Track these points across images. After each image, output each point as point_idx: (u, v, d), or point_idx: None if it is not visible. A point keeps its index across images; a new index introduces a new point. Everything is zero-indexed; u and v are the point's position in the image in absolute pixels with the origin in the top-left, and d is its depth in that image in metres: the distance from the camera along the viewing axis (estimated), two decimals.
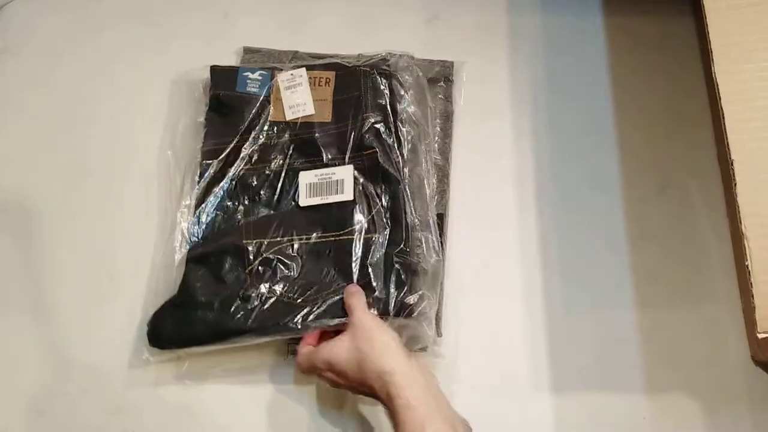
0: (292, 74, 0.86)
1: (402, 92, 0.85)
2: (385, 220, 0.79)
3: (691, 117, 0.88)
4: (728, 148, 0.65)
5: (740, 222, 0.62)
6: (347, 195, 0.80)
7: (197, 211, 0.81)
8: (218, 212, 0.81)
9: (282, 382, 0.77)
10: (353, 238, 0.78)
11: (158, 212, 0.84)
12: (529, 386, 0.77)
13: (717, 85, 0.67)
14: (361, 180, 0.81)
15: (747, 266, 0.61)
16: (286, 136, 0.85)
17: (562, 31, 0.95)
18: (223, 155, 0.83)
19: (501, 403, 0.77)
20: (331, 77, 0.86)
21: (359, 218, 0.79)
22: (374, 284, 0.76)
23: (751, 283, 0.60)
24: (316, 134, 0.84)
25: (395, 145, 0.82)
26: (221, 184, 0.82)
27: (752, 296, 0.60)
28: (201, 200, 0.82)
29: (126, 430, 0.75)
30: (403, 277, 0.76)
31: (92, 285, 0.81)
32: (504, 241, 0.84)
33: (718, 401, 0.76)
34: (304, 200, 0.81)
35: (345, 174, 0.81)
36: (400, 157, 0.82)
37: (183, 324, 0.76)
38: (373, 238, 0.78)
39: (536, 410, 0.76)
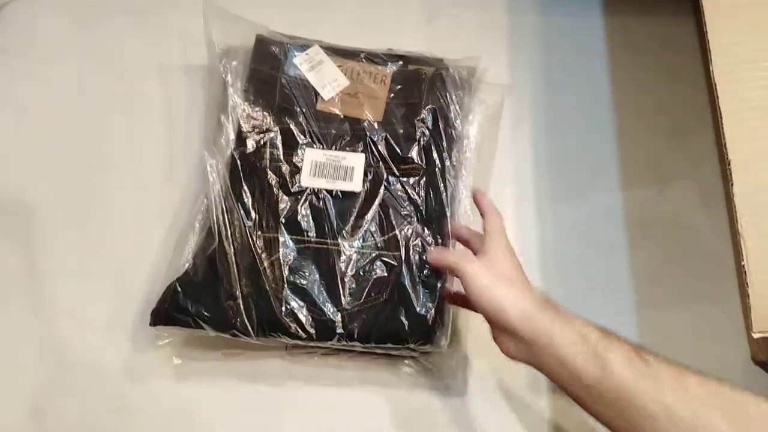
0: (307, 54, 0.83)
1: (458, 107, 0.83)
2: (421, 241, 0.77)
3: (691, 117, 0.88)
4: (725, 148, 0.65)
5: (737, 221, 0.63)
6: (355, 186, 0.78)
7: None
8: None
9: (283, 381, 0.77)
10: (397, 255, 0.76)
11: (162, 210, 0.84)
12: (528, 388, 0.77)
13: (715, 84, 0.67)
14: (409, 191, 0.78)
15: (743, 266, 0.61)
16: (332, 129, 0.80)
17: (562, 31, 0.95)
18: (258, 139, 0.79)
19: (499, 405, 0.77)
20: (387, 76, 0.83)
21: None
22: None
23: (747, 283, 0.60)
24: (363, 133, 0.80)
25: (447, 163, 0.80)
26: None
27: (748, 296, 0.60)
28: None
29: (126, 429, 0.75)
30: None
31: (94, 284, 0.81)
32: None
33: None
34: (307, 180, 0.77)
35: (356, 162, 0.79)
36: (449, 176, 0.79)
37: (199, 302, 0.73)
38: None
39: (535, 411, 0.76)
